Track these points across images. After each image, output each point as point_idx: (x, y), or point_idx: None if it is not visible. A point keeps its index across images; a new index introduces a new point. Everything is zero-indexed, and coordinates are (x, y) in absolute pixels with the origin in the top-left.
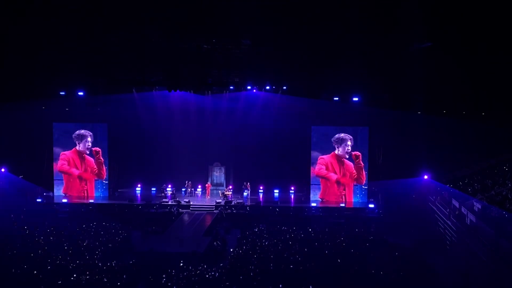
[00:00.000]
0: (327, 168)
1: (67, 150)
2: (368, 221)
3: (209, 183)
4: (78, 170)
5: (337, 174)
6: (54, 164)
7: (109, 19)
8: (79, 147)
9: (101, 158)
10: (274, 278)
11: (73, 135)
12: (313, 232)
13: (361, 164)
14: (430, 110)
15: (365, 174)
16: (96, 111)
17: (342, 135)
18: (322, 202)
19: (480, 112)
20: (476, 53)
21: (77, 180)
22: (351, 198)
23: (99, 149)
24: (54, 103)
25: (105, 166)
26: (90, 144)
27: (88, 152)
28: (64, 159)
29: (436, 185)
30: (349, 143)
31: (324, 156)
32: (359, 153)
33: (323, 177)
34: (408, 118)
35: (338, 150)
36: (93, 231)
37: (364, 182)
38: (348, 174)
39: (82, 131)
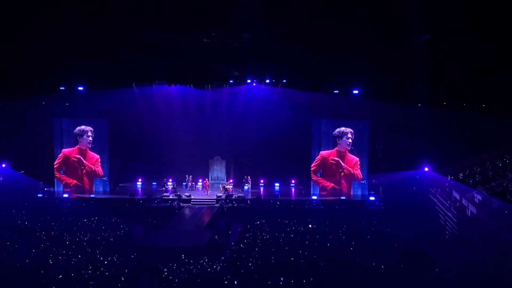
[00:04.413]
0: (319, 166)
1: (69, 148)
2: (369, 214)
3: (207, 179)
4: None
5: (334, 170)
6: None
7: (110, 14)
8: (81, 144)
9: (87, 164)
10: (275, 271)
11: (74, 132)
12: (314, 225)
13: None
14: (431, 103)
15: (358, 172)
16: (96, 106)
17: (342, 128)
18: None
19: (480, 104)
20: (476, 45)
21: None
22: (350, 191)
23: (79, 157)
24: (54, 98)
25: (97, 167)
26: (91, 139)
27: (90, 147)
28: (59, 159)
29: (436, 177)
30: (349, 135)
31: (323, 153)
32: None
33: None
34: (408, 110)
35: (340, 145)
36: (95, 225)
37: (361, 178)
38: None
39: (82, 127)
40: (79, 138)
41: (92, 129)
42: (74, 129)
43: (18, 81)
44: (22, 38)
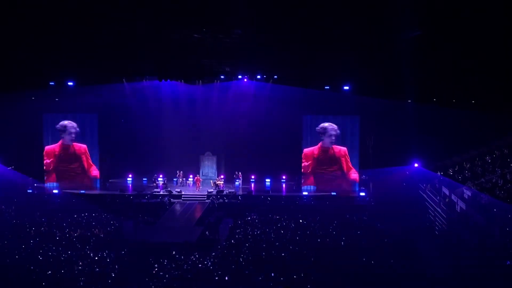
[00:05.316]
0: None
1: (53, 144)
2: (359, 209)
3: (198, 176)
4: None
5: (324, 165)
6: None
7: (100, 9)
8: (65, 140)
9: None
10: (266, 266)
11: (57, 127)
12: (304, 221)
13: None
14: (420, 99)
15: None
16: (86, 101)
17: (326, 124)
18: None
19: (470, 100)
20: (465, 41)
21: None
22: (345, 186)
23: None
24: (43, 93)
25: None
26: (74, 136)
27: (71, 144)
28: (47, 156)
29: (426, 173)
30: (332, 132)
31: (306, 151)
32: None
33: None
34: (398, 106)
35: (323, 141)
36: (85, 221)
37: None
38: (337, 164)
39: (66, 122)
40: (62, 134)
41: (75, 125)
42: (57, 125)
43: (7, 77)
44: (11, 34)
